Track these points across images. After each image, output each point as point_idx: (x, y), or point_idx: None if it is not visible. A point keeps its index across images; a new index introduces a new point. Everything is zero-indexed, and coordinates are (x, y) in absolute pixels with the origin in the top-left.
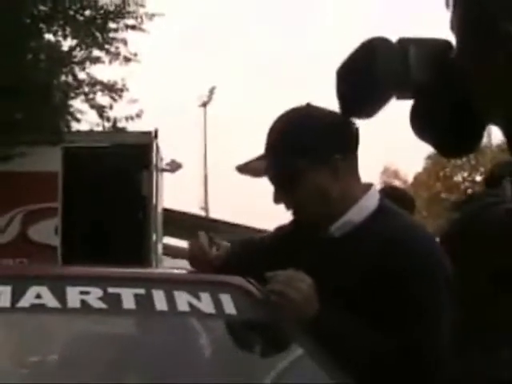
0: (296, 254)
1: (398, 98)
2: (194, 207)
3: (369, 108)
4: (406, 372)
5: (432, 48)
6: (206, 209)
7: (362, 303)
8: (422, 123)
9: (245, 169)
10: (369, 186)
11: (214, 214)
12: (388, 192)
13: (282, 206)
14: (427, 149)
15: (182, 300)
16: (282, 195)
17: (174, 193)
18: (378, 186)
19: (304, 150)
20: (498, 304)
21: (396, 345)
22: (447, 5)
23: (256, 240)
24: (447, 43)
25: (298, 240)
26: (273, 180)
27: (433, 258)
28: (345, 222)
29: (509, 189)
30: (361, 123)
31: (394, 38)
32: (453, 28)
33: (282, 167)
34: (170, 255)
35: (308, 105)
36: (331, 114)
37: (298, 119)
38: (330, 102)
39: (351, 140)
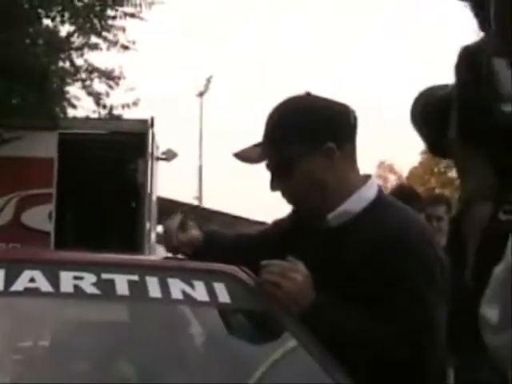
0: (294, 246)
1: None
2: (187, 197)
3: None
4: (402, 355)
5: None
6: (199, 198)
7: (359, 291)
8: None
9: (241, 155)
10: (367, 177)
11: (207, 204)
12: (396, 190)
13: (274, 199)
14: (422, 143)
15: (176, 287)
16: (278, 183)
17: (169, 182)
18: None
19: (299, 137)
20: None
21: (394, 330)
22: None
23: (252, 234)
24: None
25: (295, 231)
26: (269, 167)
27: (427, 247)
28: (342, 211)
29: None
30: (359, 117)
31: None
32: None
33: (277, 154)
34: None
35: (307, 93)
36: (329, 102)
37: (295, 107)
38: (324, 91)
39: (347, 129)
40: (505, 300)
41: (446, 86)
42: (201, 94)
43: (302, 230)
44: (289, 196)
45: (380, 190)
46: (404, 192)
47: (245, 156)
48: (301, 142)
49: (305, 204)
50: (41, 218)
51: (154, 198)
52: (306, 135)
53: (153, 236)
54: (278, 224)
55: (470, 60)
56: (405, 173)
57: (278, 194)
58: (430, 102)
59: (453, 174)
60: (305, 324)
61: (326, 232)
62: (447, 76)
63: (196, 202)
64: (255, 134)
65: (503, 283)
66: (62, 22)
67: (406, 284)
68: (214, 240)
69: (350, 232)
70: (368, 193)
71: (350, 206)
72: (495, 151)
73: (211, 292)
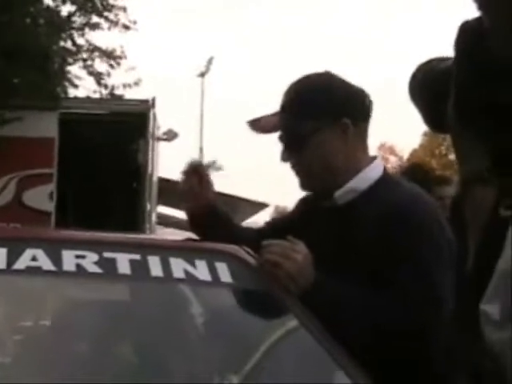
0: (302, 227)
1: None
2: None
3: None
4: (406, 330)
5: None
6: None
7: (366, 268)
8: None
9: (255, 124)
10: (373, 157)
11: None
12: (408, 169)
13: (275, 180)
14: (424, 125)
15: (178, 267)
16: (289, 154)
17: (170, 162)
18: None
19: (316, 112)
20: None
21: (399, 305)
22: None
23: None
24: None
25: (302, 215)
26: (282, 138)
27: (435, 225)
28: (348, 189)
29: None
30: None
31: None
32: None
33: (293, 127)
34: (164, 224)
35: (327, 71)
36: (346, 82)
37: (314, 83)
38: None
39: (363, 109)
40: (504, 294)
41: (448, 58)
42: (202, 75)
43: (309, 212)
44: (299, 169)
45: (385, 170)
46: (415, 171)
47: (258, 125)
48: (317, 117)
49: (314, 178)
50: (42, 198)
51: (154, 178)
52: (323, 110)
53: (153, 216)
54: (273, 222)
55: (467, 34)
56: (406, 155)
57: (278, 175)
58: (429, 75)
59: (453, 156)
60: (305, 303)
61: (333, 210)
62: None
63: None
64: (256, 115)
65: (502, 275)
66: (63, 2)
67: (413, 259)
68: (222, 217)
69: (357, 210)
70: (374, 172)
71: (357, 183)
72: (484, 131)
73: (213, 271)
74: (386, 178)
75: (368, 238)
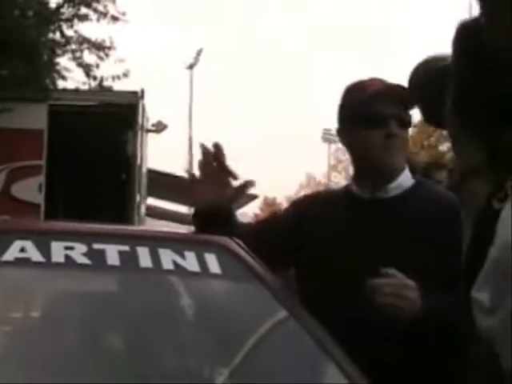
0: (328, 218)
1: None
2: (177, 169)
3: None
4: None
5: None
6: (189, 171)
7: (413, 261)
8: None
9: None
10: None
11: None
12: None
13: (264, 173)
14: (414, 117)
15: (167, 258)
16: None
17: (159, 154)
18: None
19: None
20: None
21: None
22: None
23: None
24: None
25: (328, 204)
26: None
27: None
28: (398, 184)
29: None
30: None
31: None
32: None
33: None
34: (153, 216)
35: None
36: None
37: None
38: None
39: None
40: (494, 281)
41: (446, 57)
42: (191, 67)
43: (335, 203)
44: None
45: None
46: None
47: None
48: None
49: (397, 162)
50: (31, 189)
51: (143, 169)
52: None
53: (142, 208)
54: (298, 204)
55: (464, 32)
56: None
57: (264, 168)
58: (431, 71)
59: (443, 147)
60: (417, 327)
61: (377, 202)
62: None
63: (186, 175)
64: (244, 107)
65: (493, 263)
66: None
67: (459, 252)
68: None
69: (402, 204)
70: (408, 172)
71: (404, 180)
72: (481, 129)
73: (202, 263)
74: (417, 178)
75: (417, 232)
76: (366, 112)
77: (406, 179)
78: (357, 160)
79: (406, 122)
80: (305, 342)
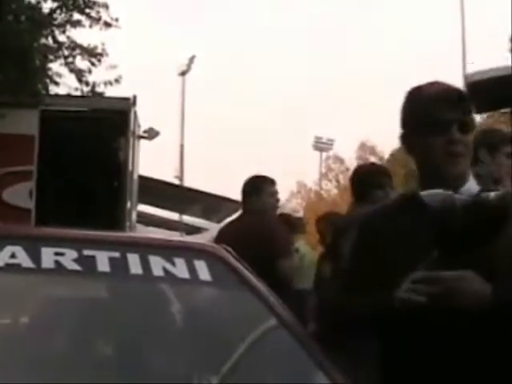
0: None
1: None
2: (168, 176)
3: None
4: None
5: None
6: (180, 178)
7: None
8: None
9: None
10: None
11: (188, 183)
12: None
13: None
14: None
15: (157, 265)
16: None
17: (150, 160)
18: (353, 160)
19: None
20: None
21: None
22: None
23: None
24: None
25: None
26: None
27: None
28: (467, 189)
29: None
30: (341, 97)
31: None
32: None
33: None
34: (144, 223)
35: None
36: None
37: None
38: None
39: None
40: None
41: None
42: (183, 74)
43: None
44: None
45: None
46: (381, 171)
47: None
48: None
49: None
50: (22, 195)
51: (135, 176)
52: None
53: (134, 215)
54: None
55: None
56: (386, 155)
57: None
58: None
59: None
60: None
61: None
62: None
63: (177, 182)
64: (235, 115)
65: None
66: None
67: None
68: None
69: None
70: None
71: (471, 186)
72: None
73: (192, 269)
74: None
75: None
76: (426, 117)
77: (473, 185)
78: (421, 166)
79: (469, 127)
80: (294, 349)
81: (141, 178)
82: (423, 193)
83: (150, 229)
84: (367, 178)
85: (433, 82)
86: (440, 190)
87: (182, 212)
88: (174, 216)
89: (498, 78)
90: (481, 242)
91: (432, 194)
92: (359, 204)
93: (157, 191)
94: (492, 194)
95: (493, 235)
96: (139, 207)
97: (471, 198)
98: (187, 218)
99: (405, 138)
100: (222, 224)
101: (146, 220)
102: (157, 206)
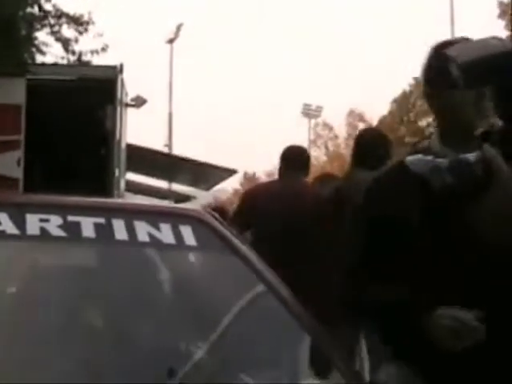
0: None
1: None
2: (157, 144)
3: None
4: None
5: None
6: (169, 146)
7: None
8: None
9: None
10: None
11: (177, 151)
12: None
13: (242, 147)
14: (393, 92)
15: (142, 230)
16: None
17: (138, 129)
18: (342, 127)
19: None
20: None
21: None
22: None
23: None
24: None
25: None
26: None
27: None
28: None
29: None
30: (330, 65)
31: None
32: None
33: None
34: (133, 191)
35: None
36: None
37: None
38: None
39: None
40: None
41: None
42: (171, 41)
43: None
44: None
45: None
46: (384, 138)
47: None
48: None
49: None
50: (9, 164)
51: (123, 144)
52: None
53: (122, 183)
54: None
55: None
56: (375, 122)
57: (242, 142)
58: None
59: (422, 123)
60: None
61: None
62: None
63: (166, 150)
64: (224, 82)
65: None
66: None
67: None
68: None
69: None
70: None
71: None
72: None
73: (178, 235)
74: None
75: None
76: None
77: None
78: (446, 122)
79: None
80: (280, 314)
81: (129, 146)
82: (408, 159)
83: (139, 197)
84: (371, 143)
85: (459, 38)
86: (420, 155)
87: (171, 180)
88: (163, 184)
89: (488, 56)
90: (469, 201)
91: (417, 160)
92: (358, 168)
93: (146, 160)
94: (470, 156)
95: (479, 194)
96: (128, 176)
97: (453, 161)
98: (176, 186)
99: (430, 93)
100: (211, 191)
101: (135, 188)
102: (146, 174)
